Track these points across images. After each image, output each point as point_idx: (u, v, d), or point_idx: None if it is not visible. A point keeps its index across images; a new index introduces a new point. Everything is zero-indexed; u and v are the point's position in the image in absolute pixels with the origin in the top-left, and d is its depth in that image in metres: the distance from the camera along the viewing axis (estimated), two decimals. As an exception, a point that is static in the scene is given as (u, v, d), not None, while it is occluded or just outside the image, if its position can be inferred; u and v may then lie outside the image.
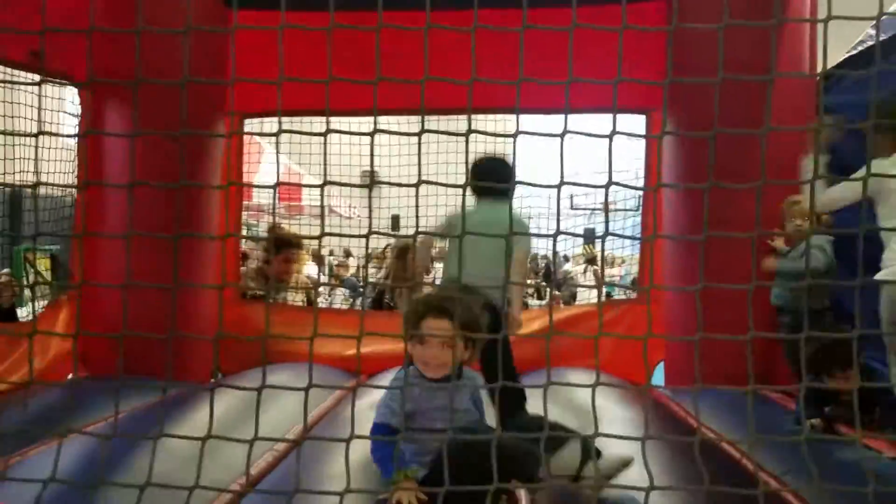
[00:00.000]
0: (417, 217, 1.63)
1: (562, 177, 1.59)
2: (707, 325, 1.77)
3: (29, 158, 4.19)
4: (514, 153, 1.96)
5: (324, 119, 1.71)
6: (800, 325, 3.37)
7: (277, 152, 2.17)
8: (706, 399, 3.71)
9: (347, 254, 11.22)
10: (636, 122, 4.98)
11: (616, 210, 7.21)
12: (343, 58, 2.37)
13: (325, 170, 1.56)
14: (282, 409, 3.30)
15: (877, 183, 2.87)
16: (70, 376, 4.30)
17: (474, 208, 3.66)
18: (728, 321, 2.18)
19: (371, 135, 1.54)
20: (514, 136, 1.64)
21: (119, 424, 3.12)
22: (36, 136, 1.43)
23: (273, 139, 6.34)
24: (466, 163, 1.62)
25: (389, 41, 1.83)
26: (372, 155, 1.58)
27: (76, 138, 4.49)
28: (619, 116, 1.74)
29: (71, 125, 4.50)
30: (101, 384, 3.47)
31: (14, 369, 3.80)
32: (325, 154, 1.53)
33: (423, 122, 1.61)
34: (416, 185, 1.56)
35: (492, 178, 3.45)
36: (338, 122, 6.33)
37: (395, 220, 8.35)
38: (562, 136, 1.60)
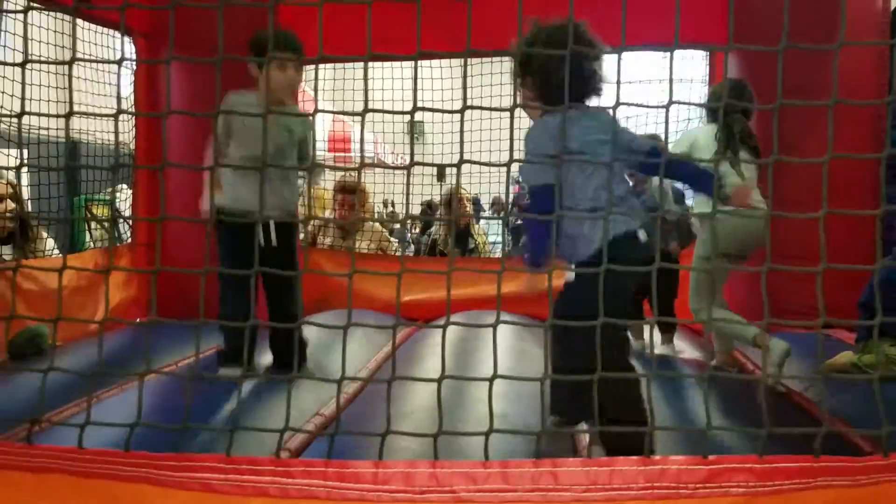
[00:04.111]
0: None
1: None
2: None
3: (86, 105, 4.29)
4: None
5: (370, 65, 1.71)
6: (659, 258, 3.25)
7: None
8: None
9: (392, 204, 11.34)
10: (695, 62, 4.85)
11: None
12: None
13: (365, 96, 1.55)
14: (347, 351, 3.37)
15: None
16: (139, 320, 4.47)
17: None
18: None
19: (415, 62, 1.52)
20: (567, 52, 1.57)
21: (198, 365, 3.23)
22: (22, 64, 1.51)
23: (321, 89, 6.33)
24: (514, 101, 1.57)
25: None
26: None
27: (132, 90, 4.56)
28: (680, 53, 1.69)
29: (126, 76, 4.56)
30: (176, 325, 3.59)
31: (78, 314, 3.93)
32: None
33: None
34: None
35: (260, 50, 2.76)
36: (381, 67, 6.28)
37: (441, 170, 8.32)
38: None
